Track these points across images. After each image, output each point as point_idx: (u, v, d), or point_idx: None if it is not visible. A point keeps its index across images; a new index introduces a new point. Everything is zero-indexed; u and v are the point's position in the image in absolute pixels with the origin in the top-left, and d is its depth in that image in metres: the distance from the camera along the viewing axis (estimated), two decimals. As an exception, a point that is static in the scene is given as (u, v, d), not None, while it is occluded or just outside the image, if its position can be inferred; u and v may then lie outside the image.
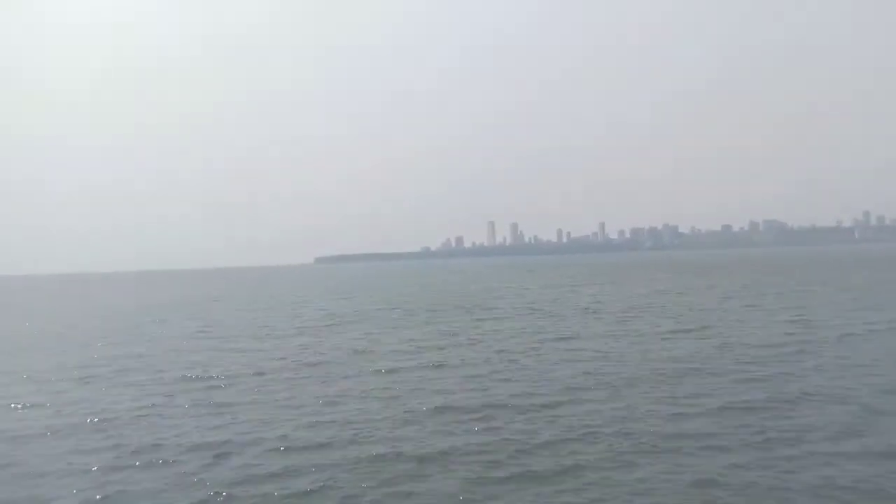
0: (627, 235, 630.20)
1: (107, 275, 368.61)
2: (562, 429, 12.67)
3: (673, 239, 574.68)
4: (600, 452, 11.23)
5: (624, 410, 13.86)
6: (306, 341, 27.77)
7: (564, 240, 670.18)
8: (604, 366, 19.15)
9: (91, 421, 14.52)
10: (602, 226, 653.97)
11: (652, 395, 15.26)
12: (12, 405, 16.55)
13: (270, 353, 24.66)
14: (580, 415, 13.67)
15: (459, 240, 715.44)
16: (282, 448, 12.05)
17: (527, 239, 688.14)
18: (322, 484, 10.15)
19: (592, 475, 10.25)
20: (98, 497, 9.86)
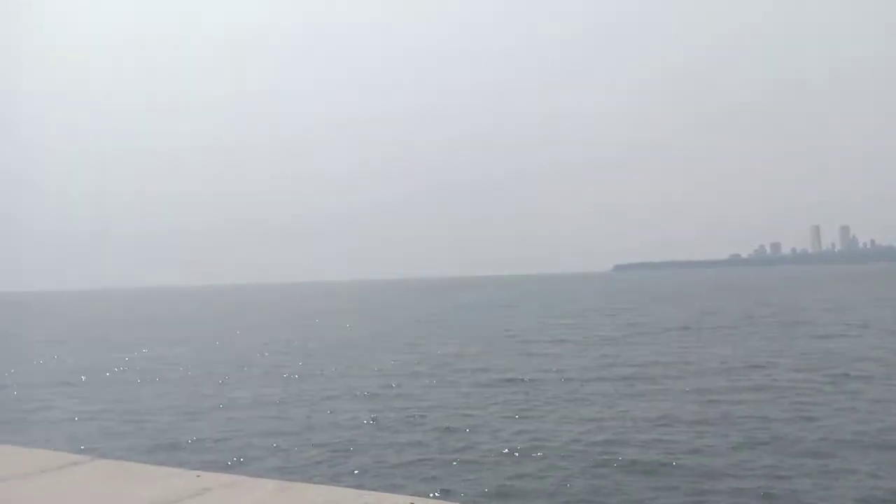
0: None
1: (394, 281, 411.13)
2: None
3: None
4: None
5: None
6: (608, 351, 27.50)
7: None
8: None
9: (418, 416, 16.23)
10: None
11: None
12: (357, 394, 19.39)
13: (572, 360, 24.95)
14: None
15: (776, 246, 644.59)
16: (602, 457, 11.98)
17: (861, 244, 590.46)
18: None
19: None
20: (426, 492, 10.91)
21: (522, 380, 20.62)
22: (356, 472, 11.68)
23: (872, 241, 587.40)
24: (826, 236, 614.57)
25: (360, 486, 10.18)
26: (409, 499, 3.55)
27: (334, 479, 11.10)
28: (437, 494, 10.26)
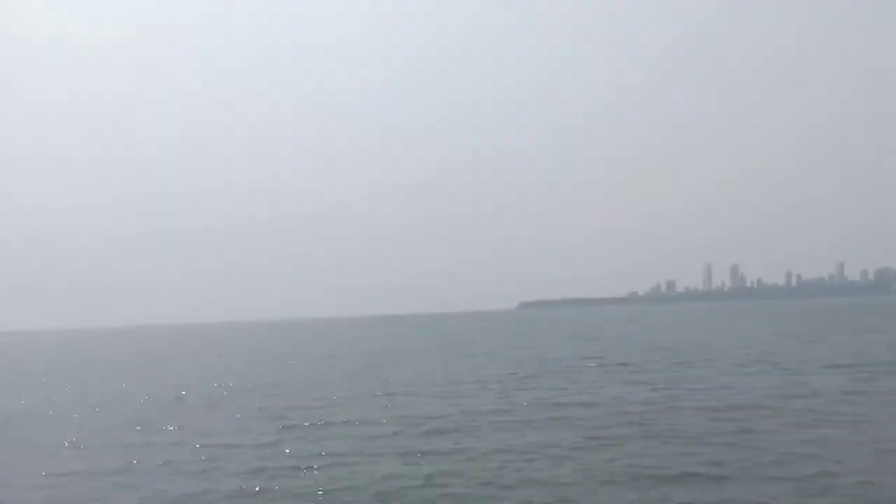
0: (871, 277, 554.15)
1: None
2: None
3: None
4: None
5: None
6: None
7: (794, 283, 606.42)
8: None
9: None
10: (841, 266, 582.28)
11: None
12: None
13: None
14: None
15: (670, 284, 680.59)
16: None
17: (748, 283, 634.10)
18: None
19: None
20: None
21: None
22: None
23: (759, 280, 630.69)
24: (717, 275, 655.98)
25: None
26: None
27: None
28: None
